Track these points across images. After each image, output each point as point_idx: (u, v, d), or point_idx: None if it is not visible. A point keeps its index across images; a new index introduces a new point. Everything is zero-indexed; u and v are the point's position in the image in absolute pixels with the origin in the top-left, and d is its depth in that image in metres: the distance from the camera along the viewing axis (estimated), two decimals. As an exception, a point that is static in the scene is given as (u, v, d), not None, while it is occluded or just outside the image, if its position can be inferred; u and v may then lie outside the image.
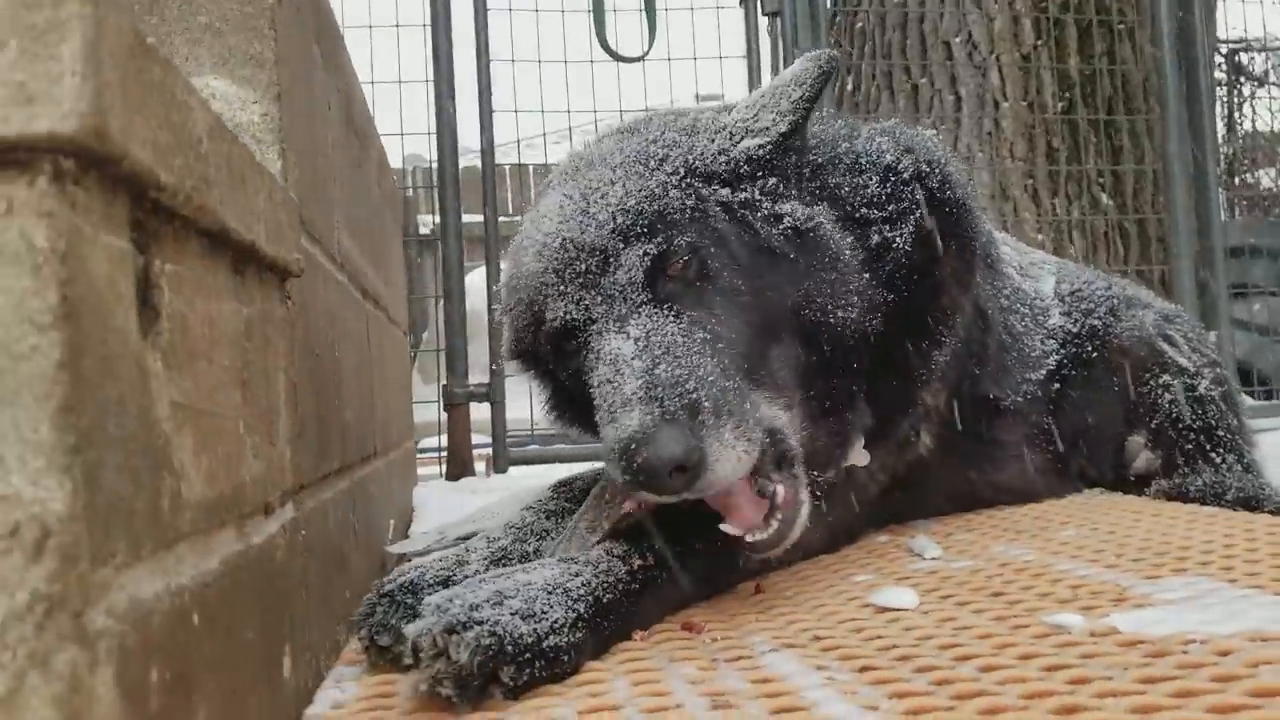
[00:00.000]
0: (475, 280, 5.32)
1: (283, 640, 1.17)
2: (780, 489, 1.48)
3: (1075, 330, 2.55)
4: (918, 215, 1.90)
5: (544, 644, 1.23)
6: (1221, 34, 7.67)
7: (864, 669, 1.18)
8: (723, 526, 1.48)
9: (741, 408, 1.44)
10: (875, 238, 1.87)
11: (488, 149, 4.35)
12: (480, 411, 4.27)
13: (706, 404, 1.38)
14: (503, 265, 1.92)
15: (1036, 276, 2.64)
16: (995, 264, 2.34)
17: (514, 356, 1.86)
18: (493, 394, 4.23)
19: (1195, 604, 1.34)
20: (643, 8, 4.35)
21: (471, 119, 4.32)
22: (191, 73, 1.32)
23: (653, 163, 1.65)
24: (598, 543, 1.54)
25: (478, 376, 4.26)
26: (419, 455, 4.23)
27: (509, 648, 1.19)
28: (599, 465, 1.99)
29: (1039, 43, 4.95)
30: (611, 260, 1.56)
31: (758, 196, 1.67)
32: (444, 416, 4.24)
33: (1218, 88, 7.88)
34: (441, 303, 4.34)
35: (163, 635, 0.77)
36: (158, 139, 0.79)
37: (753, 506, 1.48)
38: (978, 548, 1.90)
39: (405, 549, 2.23)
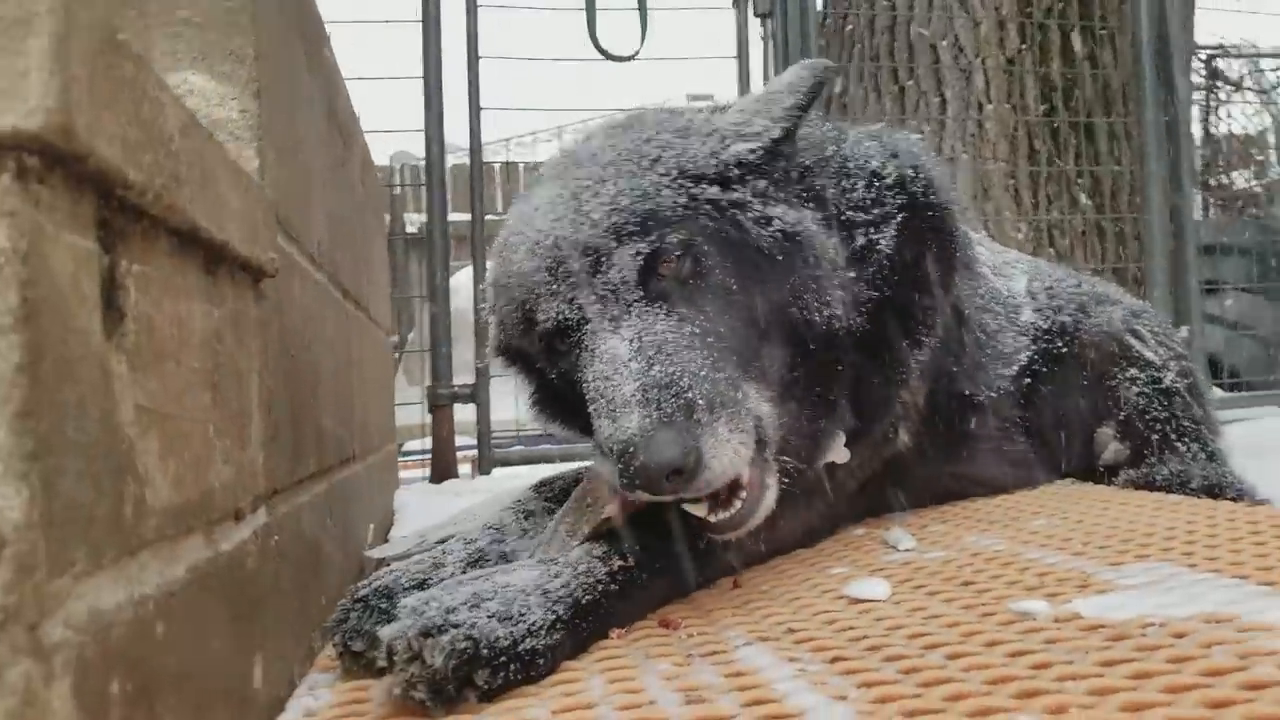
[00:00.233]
0: (462, 280, 5.28)
1: (253, 649, 1.14)
2: (745, 470, 1.48)
3: (1046, 326, 2.60)
4: (901, 219, 1.93)
5: (520, 647, 1.22)
6: (1200, 40, 7.79)
7: (835, 660, 1.20)
8: (686, 506, 1.48)
9: (735, 400, 1.46)
10: (860, 240, 1.90)
11: (476, 147, 4.30)
12: (465, 413, 4.24)
13: (701, 401, 1.40)
14: (489, 263, 1.90)
15: (1009, 275, 2.68)
16: (972, 265, 2.38)
17: (501, 354, 1.86)
18: (478, 395, 4.19)
19: (1156, 588, 1.37)
20: (636, 6, 4.33)
21: (460, 116, 4.29)
22: (170, 68, 1.30)
23: (645, 162, 1.65)
24: (577, 545, 1.52)
25: (463, 377, 4.23)
26: (403, 459, 4.20)
27: (485, 651, 1.18)
28: (581, 465, 2.00)
29: (1023, 47, 5.00)
30: (604, 259, 1.55)
31: (748, 198, 1.68)
32: (429, 418, 4.21)
33: (1195, 92, 7.98)
34: (427, 303, 4.31)
35: (124, 646, 0.75)
36: (127, 136, 0.77)
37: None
38: (951, 538, 1.92)
39: (384, 553, 2.20)
